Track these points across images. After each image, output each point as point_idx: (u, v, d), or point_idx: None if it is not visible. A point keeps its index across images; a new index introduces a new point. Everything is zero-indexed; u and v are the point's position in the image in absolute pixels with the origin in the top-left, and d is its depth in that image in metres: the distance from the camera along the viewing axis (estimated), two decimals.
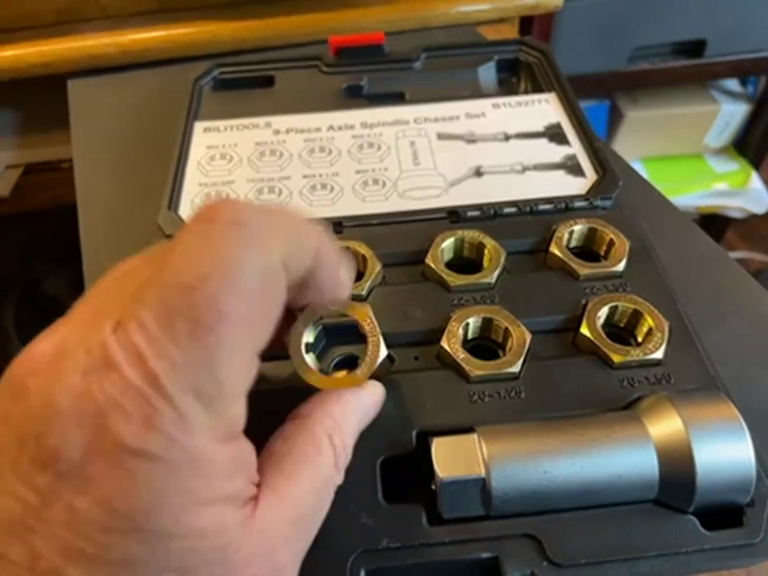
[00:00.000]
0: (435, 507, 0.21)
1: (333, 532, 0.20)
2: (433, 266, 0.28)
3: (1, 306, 0.84)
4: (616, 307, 0.26)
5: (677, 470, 0.21)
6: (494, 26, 0.59)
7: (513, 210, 0.31)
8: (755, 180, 1.00)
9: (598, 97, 0.96)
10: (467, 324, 0.26)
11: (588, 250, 0.30)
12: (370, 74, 0.42)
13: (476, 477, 0.21)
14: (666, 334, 0.25)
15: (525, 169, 0.34)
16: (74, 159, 0.40)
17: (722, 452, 0.20)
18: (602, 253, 0.29)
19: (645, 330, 0.26)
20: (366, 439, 0.22)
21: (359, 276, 0.28)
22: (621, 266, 0.28)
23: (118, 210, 0.36)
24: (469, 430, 0.22)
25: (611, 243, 0.29)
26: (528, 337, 0.25)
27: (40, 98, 0.56)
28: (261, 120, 0.38)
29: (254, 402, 0.17)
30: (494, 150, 0.36)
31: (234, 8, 0.56)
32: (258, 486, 0.17)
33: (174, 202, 0.33)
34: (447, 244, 0.29)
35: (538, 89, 0.41)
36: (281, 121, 0.38)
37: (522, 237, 0.30)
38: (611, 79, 0.86)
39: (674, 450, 0.21)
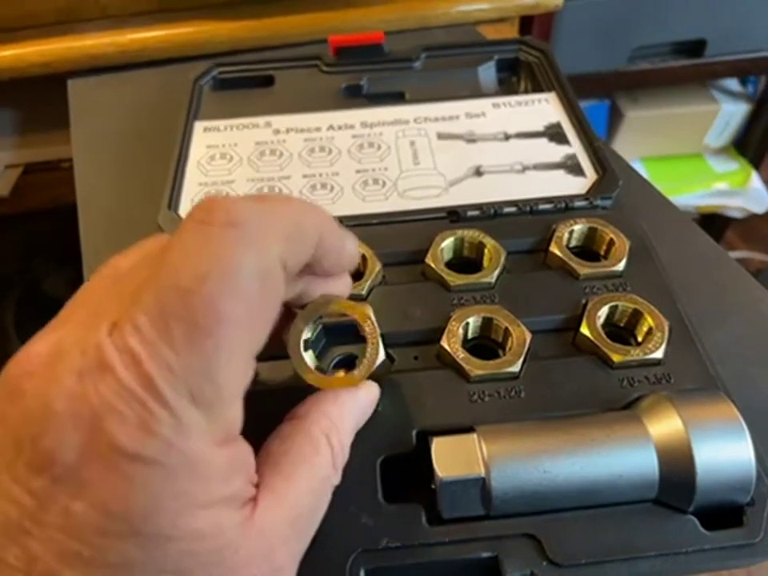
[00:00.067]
0: (435, 507, 0.21)
1: (332, 532, 0.20)
2: (433, 265, 0.28)
3: (1, 306, 0.84)
4: (616, 307, 0.26)
5: (677, 469, 0.21)
6: (494, 26, 0.59)
7: (513, 209, 0.31)
8: (755, 180, 1.00)
9: (598, 96, 0.96)
10: (467, 323, 0.26)
11: (588, 250, 0.30)
12: (370, 73, 0.42)
13: (476, 476, 0.21)
14: (666, 333, 0.25)
15: (525, 168, 0.34)
16: (73, 159, 0.40)
17: (722, 452, 0.20)
18: (602, 252, 0.29)
19: (645, 329, 0.26)
20: (365, 439, 0.22)
21: (359, 276, 0.28)
22: (621, 266, 0.28)
23: (117, 209, 0.36)
24: (469, 429, 0.22)
25: (611, 243, 0.29)
26: (528, 336, 0.25)
27: (40, 97, 0.56)
28: (261, 120, 0.38)
29: (251, 402, 0.17)
30: (494, 149, 0.36)
31: (233, 8, 0.56)
32: (257, 486, 0.17)
33: (173, 202, 0.33)
34: (447, 243, 0.29)
35: (537, 88, 0.41)
36: (281, 120, 0.38)
37: (522, 236, 0.30)
38: (611, 79, 0.86)
39: (673, 450, 0.21)
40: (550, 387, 0.24)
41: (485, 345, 0.26)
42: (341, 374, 0.21)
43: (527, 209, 0.31)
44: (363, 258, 0.28)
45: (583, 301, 0.27)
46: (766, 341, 0.27)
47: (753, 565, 0.21)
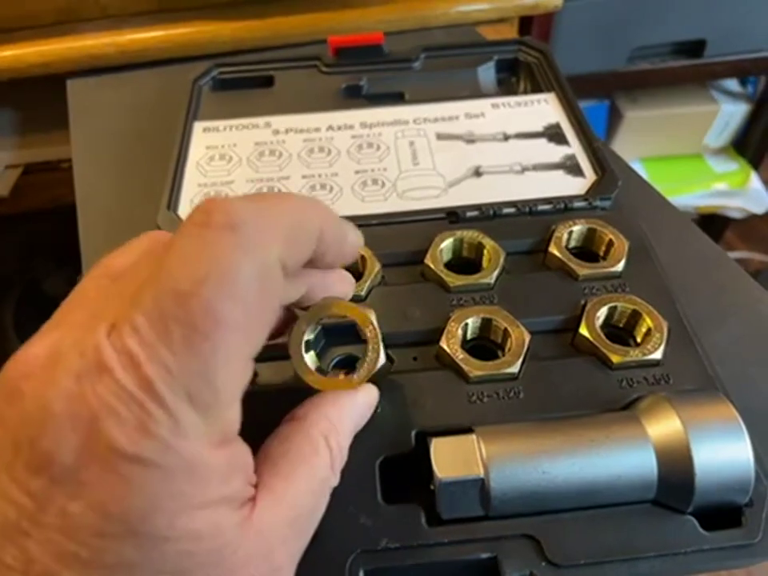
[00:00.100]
0: (434, 507, 0.21)
1: (332, 532, 0.20)
2: (432, 266, 0.28)
3: (1, 306, 0.84)
4: (615, 307, 0.26)
5: (675, 470, 0.21)
6: (494, 26, 0.59)
7: (512, 210, 0.31)
8: (755, 180, 1.00)
9: (598, 97, 0.96)
10: (466, 324, 0.26)
11: (587, 251, 0.30)
12: (370, 74, 0.42)
13: (475, 477, 0.21)
14: (665, 334, 0.25)
15: (524, 169, 0.34)
16: (73, 159, 0.40)
17: (721, 452, 0.20)
18: (601, 253, 0.29)
19: (644, 330, 0.26)
20: (365, 439, 0.22)
21: (359, 276, 0.28)
22: (620, 267, 0.28)
23: (117, 210, 0.36)
24: (468, 430, 0.22)
25: (610, 243, 0.29)
26: (527, 337, 0.25)
27: (39, 97, 0.56)
28: (260, 120, 0.38)
29: (250, 403, 0.17)
30: (494, 150, 0.36)
31: (233, 8, 0.56)
32: (256, 486, 0.17)
33: (173, 202, 0.33)
34: (446, 244, 0.29)
35: (537, 89, 0.41)
36: (280, 121, 0.38)
37: (521, 237, 0.30)
38: (611, 79, 0.86)
39: (672, 451, 0.21)
40: (549, 388, 0.24)
41: (484, 345, 0.26)
42: (341, 376, 0.21)
43: (526, 209, 0.31)
44: (362, 258, 0.28)
45: (582, 301, 0.27)
46: (765, 341, 0.27)
47: (752, 565, 0.21)
